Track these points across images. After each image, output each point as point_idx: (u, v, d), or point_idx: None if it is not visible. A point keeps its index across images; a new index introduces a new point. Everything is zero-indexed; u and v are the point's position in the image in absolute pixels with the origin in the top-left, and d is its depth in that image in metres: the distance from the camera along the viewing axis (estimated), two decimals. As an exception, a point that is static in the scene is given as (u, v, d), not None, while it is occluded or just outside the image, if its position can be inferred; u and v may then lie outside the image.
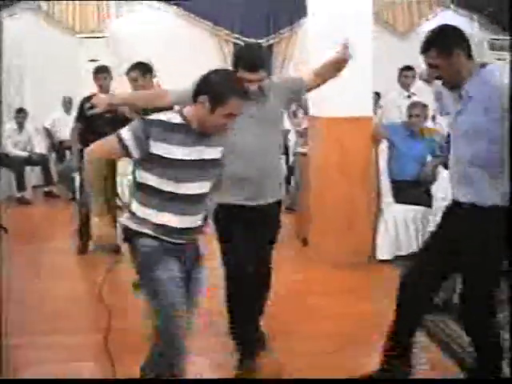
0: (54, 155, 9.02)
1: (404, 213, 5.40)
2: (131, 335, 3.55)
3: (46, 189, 8.67)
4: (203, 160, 2.65)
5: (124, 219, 2.74)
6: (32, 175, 8.75)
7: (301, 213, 6.11)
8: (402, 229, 5.44)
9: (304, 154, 5.87)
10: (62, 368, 3.43)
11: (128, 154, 2.60)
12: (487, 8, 10.95)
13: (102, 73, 5.73)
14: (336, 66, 3.38)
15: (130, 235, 2.69)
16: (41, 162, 8.69)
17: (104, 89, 5.60)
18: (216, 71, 2.64)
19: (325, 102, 4.99)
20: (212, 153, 2.70)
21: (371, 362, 3.38)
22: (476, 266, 2.86)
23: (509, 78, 2.74)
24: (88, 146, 2.70)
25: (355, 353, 3.69)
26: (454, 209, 2.99)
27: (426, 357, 3.53)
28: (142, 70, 4.86)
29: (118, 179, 5.63)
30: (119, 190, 5.72)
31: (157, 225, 2.65)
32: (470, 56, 2.80)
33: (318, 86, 3.47)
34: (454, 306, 3.95)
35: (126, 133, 2.58)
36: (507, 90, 2.68)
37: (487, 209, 2.78)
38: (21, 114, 8.70)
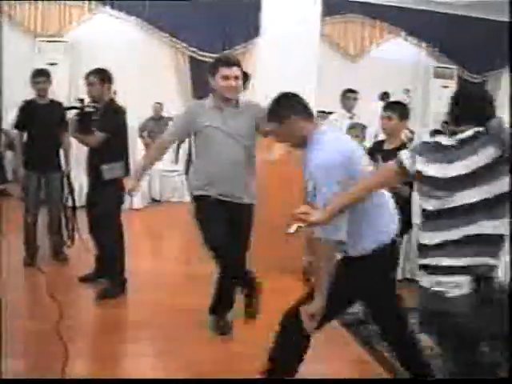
0: (10, 154, 8.79)
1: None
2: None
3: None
4: None
5: None
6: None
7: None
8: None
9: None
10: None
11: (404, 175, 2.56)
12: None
13: (41, 76, 5.54)
14: None
15: None
16: (-4, 159, 8.67)
17: (42, 92, 5.52)
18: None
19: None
20: None
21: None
22: None
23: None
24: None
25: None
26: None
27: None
28: (101, 77, 4.86)
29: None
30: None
31: None
32: (309, 117, 2.84)
33: None
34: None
35: (404, 154, 2.56)
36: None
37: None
38: (-23, 113, 8.75)
